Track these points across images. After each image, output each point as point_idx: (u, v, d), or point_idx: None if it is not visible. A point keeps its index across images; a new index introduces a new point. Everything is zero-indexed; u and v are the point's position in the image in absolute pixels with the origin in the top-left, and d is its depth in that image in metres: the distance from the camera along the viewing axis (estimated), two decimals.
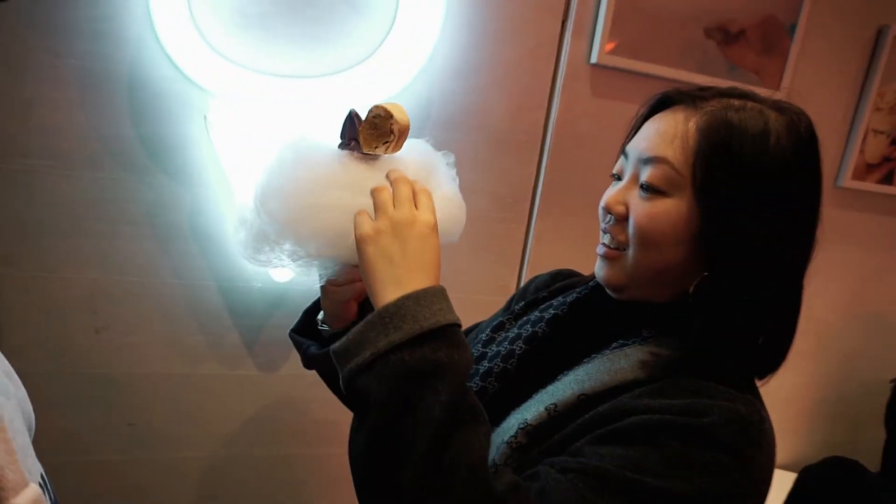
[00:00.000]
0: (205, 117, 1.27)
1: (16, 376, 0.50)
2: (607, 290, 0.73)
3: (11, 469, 0.37)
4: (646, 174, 0.66)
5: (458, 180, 0.75)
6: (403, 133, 0.67)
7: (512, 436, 0.67)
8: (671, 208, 0.64)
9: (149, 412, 1.43)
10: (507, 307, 0.94)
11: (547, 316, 0.80)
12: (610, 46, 1.50)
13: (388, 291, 0.59)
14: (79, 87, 1.22)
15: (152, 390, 1.42)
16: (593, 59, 1.51)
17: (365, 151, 0.68)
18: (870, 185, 1.88)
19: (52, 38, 1.19)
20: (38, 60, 1.19)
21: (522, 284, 0.99)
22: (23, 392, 0.50)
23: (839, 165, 1.85)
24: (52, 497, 0.48)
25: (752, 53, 1.61)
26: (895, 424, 1.38)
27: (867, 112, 1.80)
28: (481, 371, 0.79)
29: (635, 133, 0.71)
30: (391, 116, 0.66)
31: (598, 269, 0.73)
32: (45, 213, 1.26)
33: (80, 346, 1.34)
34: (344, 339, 0.59)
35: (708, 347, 0.64)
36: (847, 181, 1.84)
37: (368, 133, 0.67)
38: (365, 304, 0.79)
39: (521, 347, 0.78)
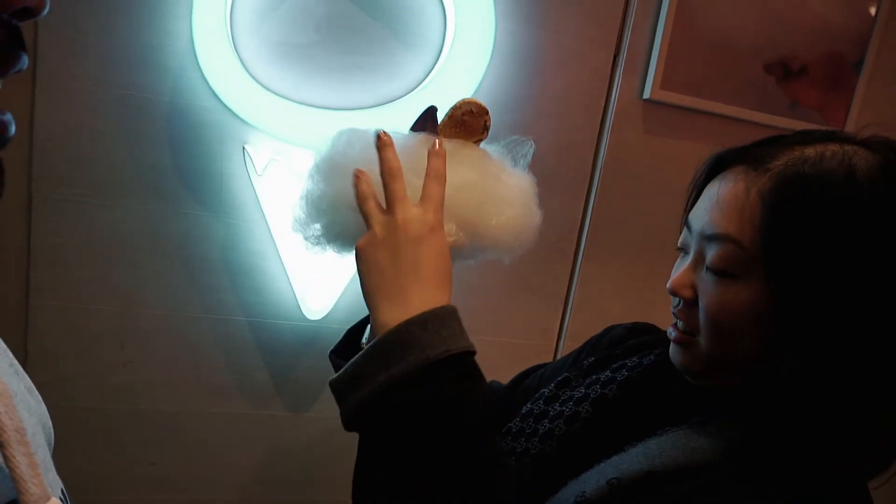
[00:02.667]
0: (244, 149, 1.23)
1: (37, 392, 0.51)
2: (686, 377, 0.63)
3: (34, 482, 0.37)
4: (711, 255, 0.55)
5: (527, 175, 0.66)
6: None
7: None
8: (744, 293, 0.53)
9: (172, 452, 1.37)
10: (576, 359, 0.84)
11: (619, 377, 0.71)
12: (663, 82, 1.43)
13: (385, 313, 0.51)
14: (120, 116, 1.20)
15: (176, 428, 1.36)
16: (646, 95, 1.44)
17: None
18: None
19: (96, 68, 1.17)
20: (81, 90, 1.17)
21: (597, 334, 0.88)
22: (43, 408, 0.51)
23: None
24: None
25: (816, 91, 1.52)
26: None
27: None
28: (541, 432, 0.71)
29: (696, 199, 0.61)
30: (486, 113, 0.61)
31: (672, 354, 0.63)
32: (79, 244, 1.23)
33: (106, 381, 1.30)
34: (341, 371, 0.51)
35: (808, 434, 0.54)
36: None
37: (452, 131, 0.62)
38: None
39: (587, 410, 0.70)
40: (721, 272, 0.54)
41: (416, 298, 0.52)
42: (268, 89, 1.21)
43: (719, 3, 1.42)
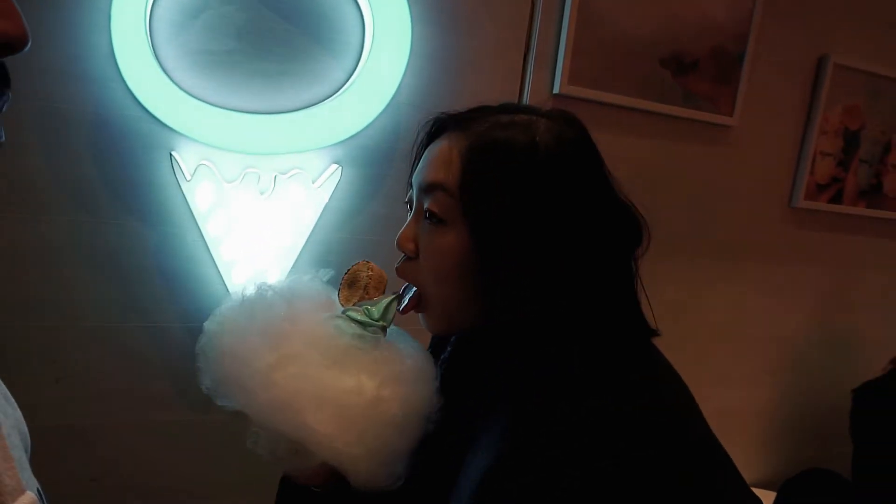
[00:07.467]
0: (171, 155, 1.25)
1: (12, 399, 0.51)
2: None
3: (8, 475, 0.37)
4: (427, 202, 0.62)
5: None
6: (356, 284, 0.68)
7: None
8: (452, 238, 0.60)
9: (113, 465, 1.36)
10: None
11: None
12: (571, 78, 1.54)
13: None
14: (41, 129, 1.19)
15: (117, 441, 1.35)
16: (556, 90, 1.55)
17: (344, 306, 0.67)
18: (821, 205, 1.96)
19: (15, 80, 1.15)
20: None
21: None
22: (19, 414, 0.51)
23: (792, 186, 1.93)
24: None
25: (706, 82, 1.68)
26: (859, 434, 1.41)
27: (814, 135, 1.88)
28: None
29: (418, 161, 0.67)
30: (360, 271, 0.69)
31: (423, 324, 0.68)
32: (4, 260, 1.21)
33: (39, 397, 1.28)
34: None
35: (549, 349, 0.58)
36: (801, 202, 1.91)
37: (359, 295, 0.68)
38: None
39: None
40: (434, 218, 0.61)
41: None
42: (192, 96, 1.23)
43: (617, 3, 1.55)
